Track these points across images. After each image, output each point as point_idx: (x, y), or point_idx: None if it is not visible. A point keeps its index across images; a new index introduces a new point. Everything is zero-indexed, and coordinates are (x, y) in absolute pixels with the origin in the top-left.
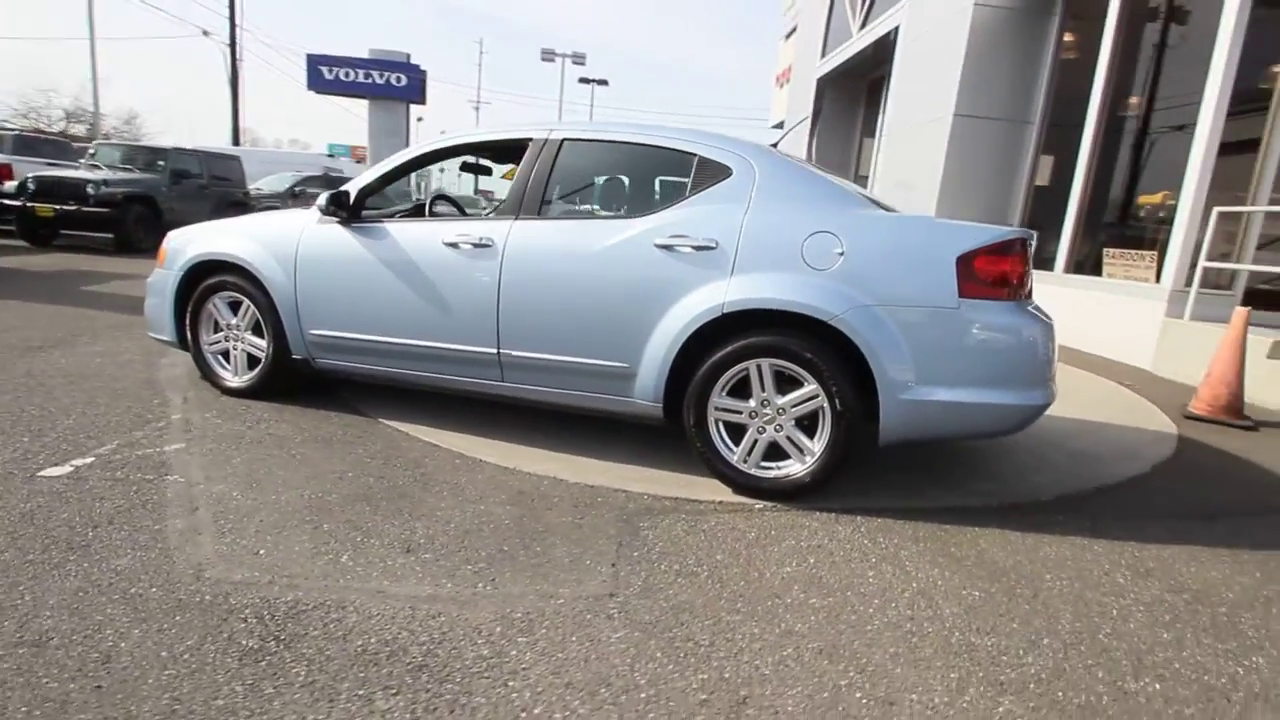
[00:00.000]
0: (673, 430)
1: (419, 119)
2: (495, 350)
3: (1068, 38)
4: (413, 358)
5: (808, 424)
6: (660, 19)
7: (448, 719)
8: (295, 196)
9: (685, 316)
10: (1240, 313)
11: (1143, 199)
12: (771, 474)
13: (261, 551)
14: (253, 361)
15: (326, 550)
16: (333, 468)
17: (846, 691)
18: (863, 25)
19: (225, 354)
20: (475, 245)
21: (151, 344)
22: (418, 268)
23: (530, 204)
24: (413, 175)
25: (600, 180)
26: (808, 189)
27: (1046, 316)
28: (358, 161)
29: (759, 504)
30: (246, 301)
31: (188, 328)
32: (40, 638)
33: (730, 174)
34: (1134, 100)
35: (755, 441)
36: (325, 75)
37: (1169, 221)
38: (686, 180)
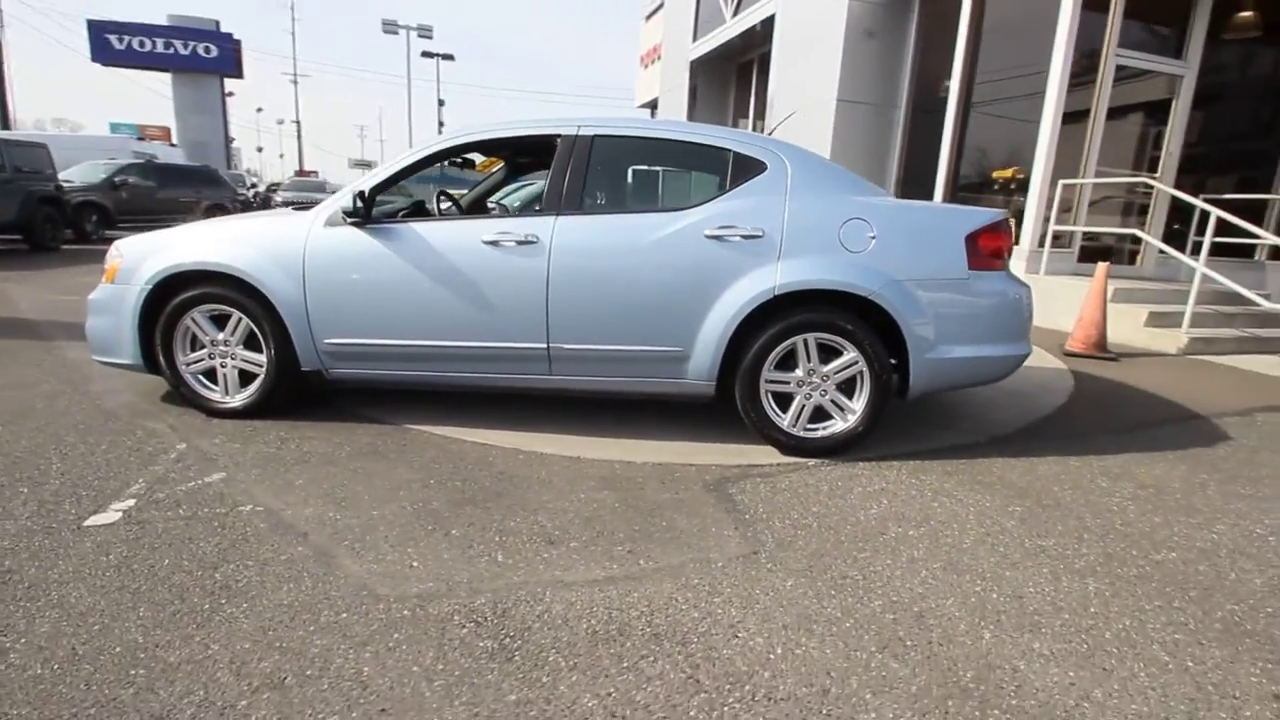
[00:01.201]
0: (705, 407)
1: (229, 94)
2: (544, 345)
3: (925, 30)
4: (451, 359)
5: (846, 387)
6: None
7: (714, 670)
8: (116, 188)
9: (740, 300)
10: (1101, 267)
11: (997, 173)
12: (818, 434)
13: (415, 564)
14: (245, 378)
15: (476, 553)
16: (406, 477)
17: (983, 594)
18: (735, 12)
19: (209, 373)
20: (520, 242)
21: (62, 369)
22: (456, 268)
23: (570, 200)
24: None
25: (635, 175)
26: (833, 180)
27: (1025, 282)
28: (171, 145)
29: (810, 461)
30: (236, 314)
31: (159, 348)
32: (276, 680)
33: (765, 168)
34: (983, 85)
35: (803, 407)
36: (114, 45)
37: (1020, 192)
38: (723, 175)
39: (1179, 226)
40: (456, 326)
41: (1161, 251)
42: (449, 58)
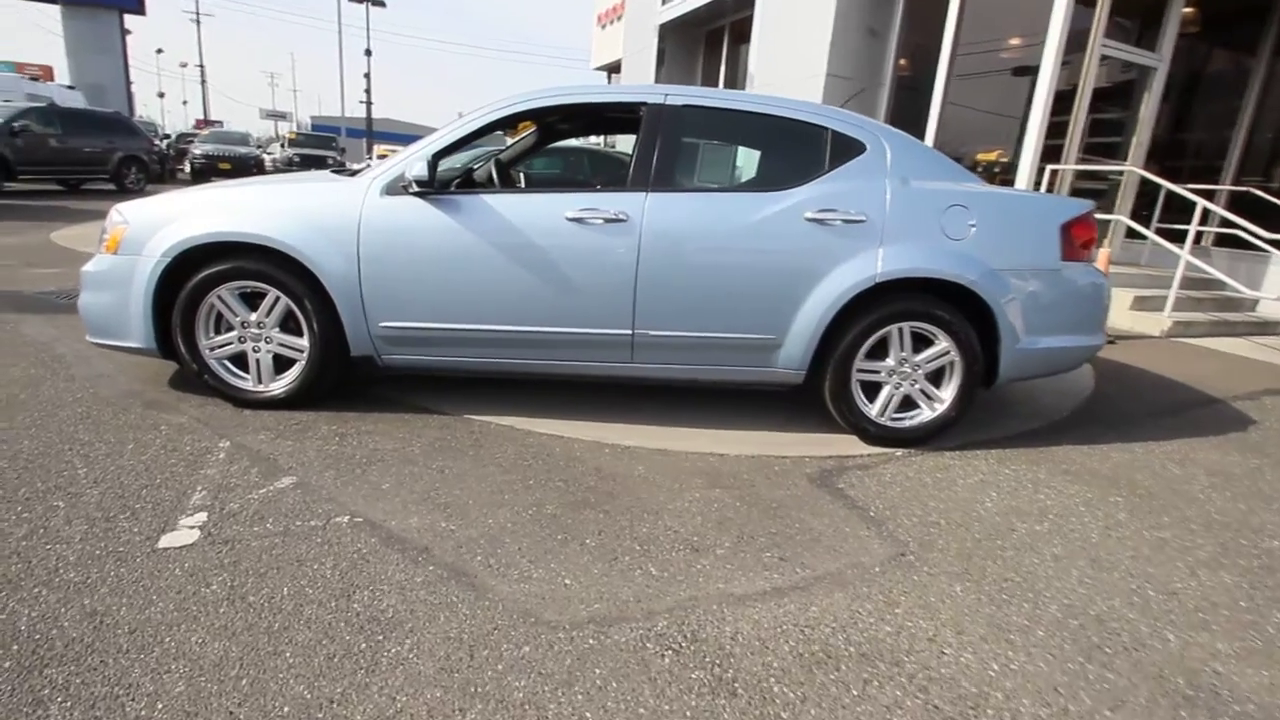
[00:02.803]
0: (759, 392)
1: (128, 32)
2: (629, 331)
3: (911, 8)
4: (523, 345)
5: (934, 377)
6: None
7: (946, 694)
8: (14, 135)
9: (839, 287)
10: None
11: (981, 155)
12: (905, 424)
13: (569, 581)
14: (281, 364)
15: (626, 566)
16: (501, 478)
17: (1140, 591)
18: None
19: (237, 358)
20: (608, 220)
21: (26, 349)
22: (535, 246)
23: (662, 175)
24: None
25: (726, 151)
26: (932, 164)
27: (1103, 272)
28: (70, 88)
29: (897, 451)
30: (273, 292)
31: (176, 329)
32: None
33: (865, 150)
34: (966, 63)
35: (892, 396)
36: None
37: (1005, 174)
38: (820, 154)
39: (1145, 213)
40: (533, 310)
41: (1139, 237)
42: (379, 3)
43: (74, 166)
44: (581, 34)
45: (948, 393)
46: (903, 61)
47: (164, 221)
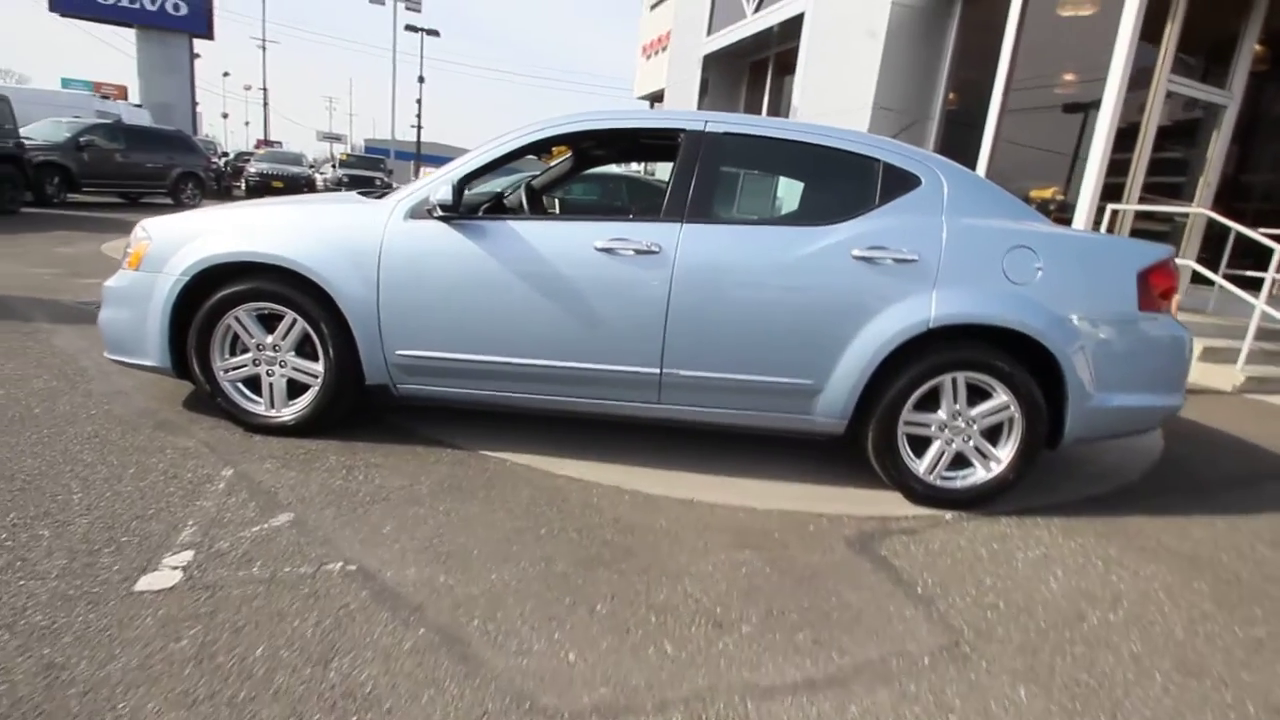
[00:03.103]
0: (790, 439)
1: (197, 55)
2: (657, 370)
3: (964, 38)
4: (544, 380)
5: (990, 433)
6: None
7: None
8: (80, 149)
9: (888, 331)
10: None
11: (1035, 192)
12: (956, 484)
13: (572, 657)
14: (295, 390)
15: (638, 642)
16: (511, 526)
17: (1240, 707)
18: (758, 8)
19: (250, 381)
20: (639, 252)
21: (52, 360)
22: (562, 276)
23: (698, 205)
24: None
25: (767, 182)
26: (993, 201)
27: (1185, 326)
28: (138, 106)
29: (946, 514)
30: (290, 315)
31: (191, 349)
32: None
33: (919, 184)
34: (1023, 100)
35: (942, 453)
36: None
37: (1060, 213)
38: (871, 188)
39: (1206, 256)
40: (556, 344)
41: (1205, 282)
42: (434, 33)
43: (135, 181)
44: (627, 63)
45: (1005, 452)
46: (952, 95)
47: (187, 239)
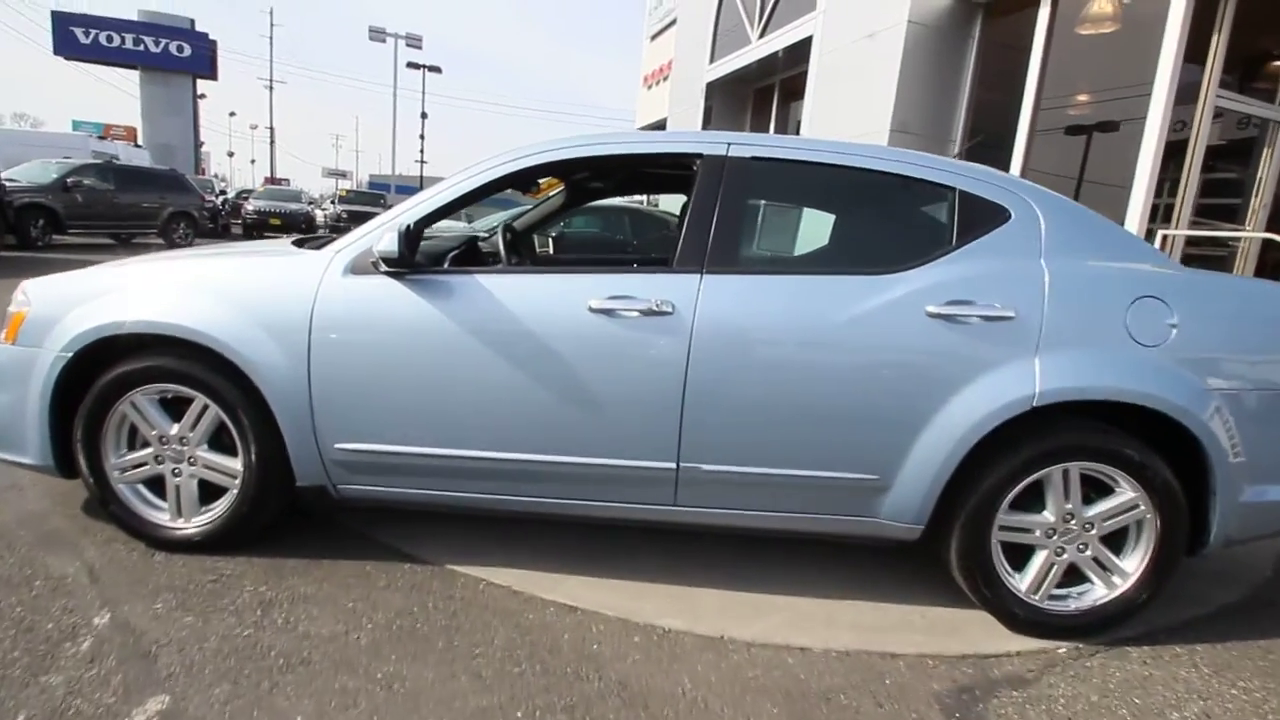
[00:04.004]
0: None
1: (201, 96)
2: (672, 465)
3: (985, 59)
4: (526, 480)
5: (1111, 539)
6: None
7: None
8: (68, 190)
9: (977, 411)
10: None
11: None
12: (1070, 605)
13: None
14: (209, 492)
15: None
16: (475, 703)
17: None
18: (763, 33)
19: (155, 482)
20: (647, 313)
21: None
22: (545, 347)
23: (721, 251)
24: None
25: (805, 219)
26: (1104, 238)
27: None
28: (137, 146)
29: (1059, 647)
30: (201, 399)
31: (77, 443)
32: None
33: (1008, 217)
34: (1054, 120)
35: (1051, 566)
36: (80, 39)
37: None
38: (946, 224)
39: None
40: (542, 434)
41: None
42: (435, 70)
43: (124, 221)
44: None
45: (1132, 562)
46: (974, 117)
47: (73, 304)
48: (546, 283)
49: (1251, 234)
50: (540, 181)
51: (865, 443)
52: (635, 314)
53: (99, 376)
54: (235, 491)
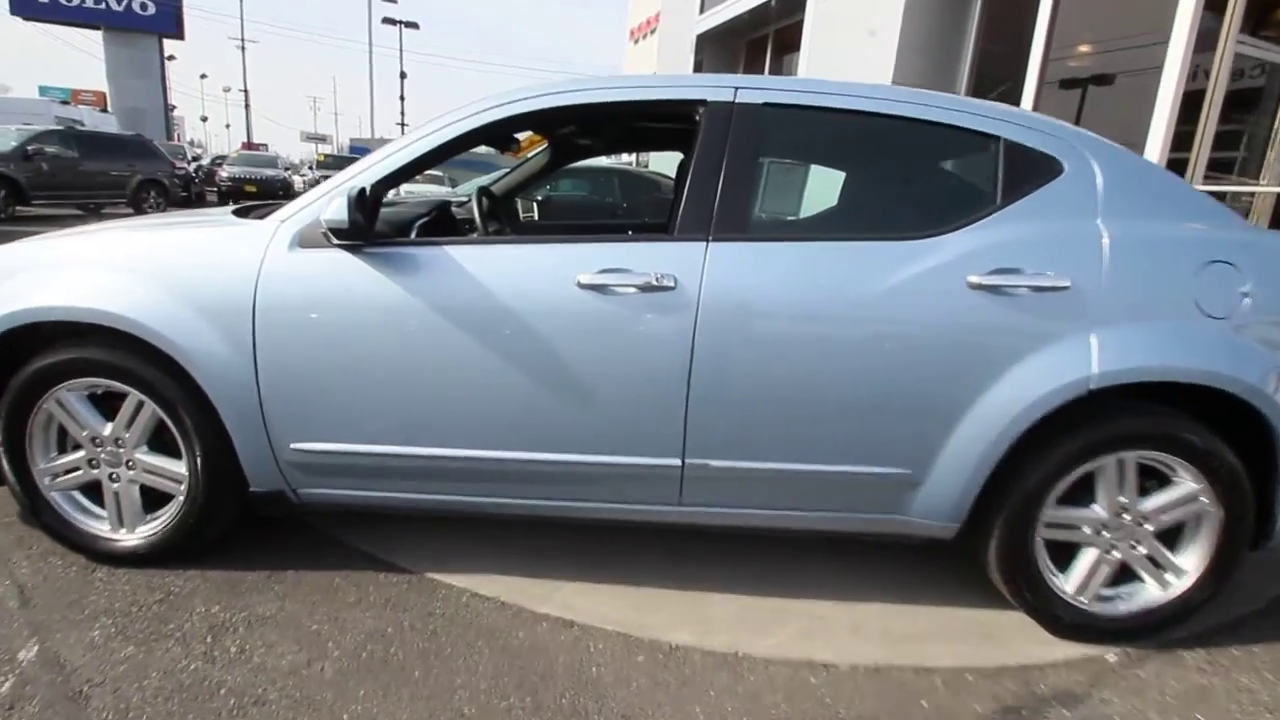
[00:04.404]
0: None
1: (170, 57)
2: (677, 461)
3: (991, 6)
4: (510, 480)
5: (1166, 534)
6: None
7: None
8: (29, 159)
9: (1025, 395)
10: None
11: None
12: (1119, 607)
13: None
14: (153, 499)
15: None
16: None
17: None
18: None
19: (89, 488)
20: (643, 288)
21: None
22: (529, 328)
23: (730, 214)
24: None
25: (832, 175)
26: (1168, 194)
27: None
28: (103, 111)
29: (1108, 654)
30: (135, 395)
31: None
32: None
33: (1061, 171)
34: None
35: (1098, 565)
36: None
37: None
38: (989, 179)
39: None
40: (524, 428)
41: None
42: (413, 25)
43: (91, 190)
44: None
45: (1191, 559)
46: (979, 68)
47: None
48: (528, 254)
49: (1269, 189)
50: (520, 139)
51: (896, 433)
52: (631, 290)
53: (18, 370)
54: (181, 498)
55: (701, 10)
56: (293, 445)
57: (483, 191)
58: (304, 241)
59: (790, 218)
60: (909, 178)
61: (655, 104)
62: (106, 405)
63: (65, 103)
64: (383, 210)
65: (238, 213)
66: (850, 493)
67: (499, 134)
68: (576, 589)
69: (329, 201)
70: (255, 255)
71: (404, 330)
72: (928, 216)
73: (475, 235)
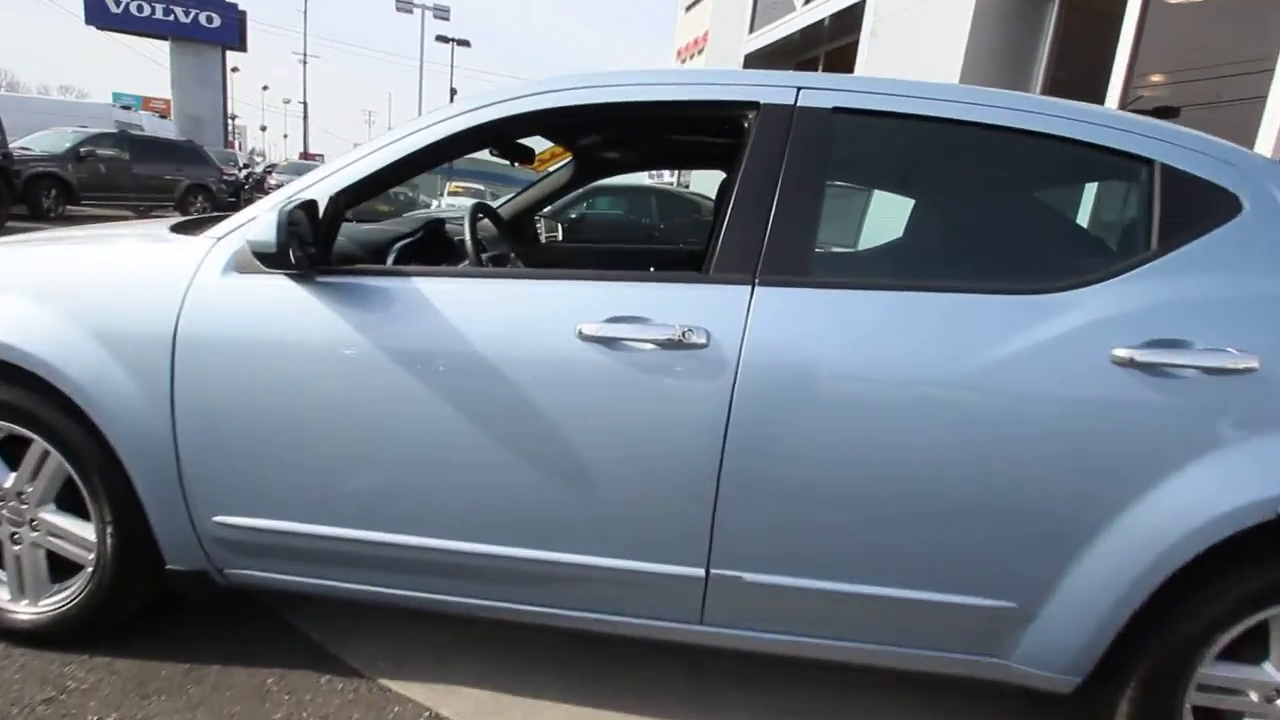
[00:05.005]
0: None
1: (234, 69)
2: (700, 571)
3: (1066, 27)
4: (482, 579)
5: None
6: None
7: None
8: (81, 160)
9: (1190, 515)
10: None
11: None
12: None
13: None
14: (62, 567)
15: None
16: None
17: None
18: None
19: None
20: (664, 344)
21: None
22: (512, 389)
23: (785, 251)
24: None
25: (886, 204)
26: None
27: None
28: (161, 117)
29: None
30: (40, 444)
31: None
32: None
33: (1239, 210)
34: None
35: None
36: (110, 8)
37: None
38: (1142, 215)
39: None
40: (508, 518)
41: None
42: (464, 43)
43: (140, 193)
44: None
45: None
46: (1053, 93)
47: None
48: (521, 293)
49: None
50: (539, 151)
51: (1002, 552)
52: (649, 346)
53: None
54: (91, 570)
55: (750, 30)
56: (216, 518)
57: (479, 210)
58: (241, 265)
59: (863, 256)
60: (1030, 210)
61: (692, 106)
62: (14, 452)
63: (127, 108)
64: (360, 229)
65: (177, 228)
66: (934, 626)
67: (499, 138)
68: (567, 714)
69: (259, 221)
70: (181, 279)
71: (357, 383)
72: (1056, 264)
73: (462, 266)
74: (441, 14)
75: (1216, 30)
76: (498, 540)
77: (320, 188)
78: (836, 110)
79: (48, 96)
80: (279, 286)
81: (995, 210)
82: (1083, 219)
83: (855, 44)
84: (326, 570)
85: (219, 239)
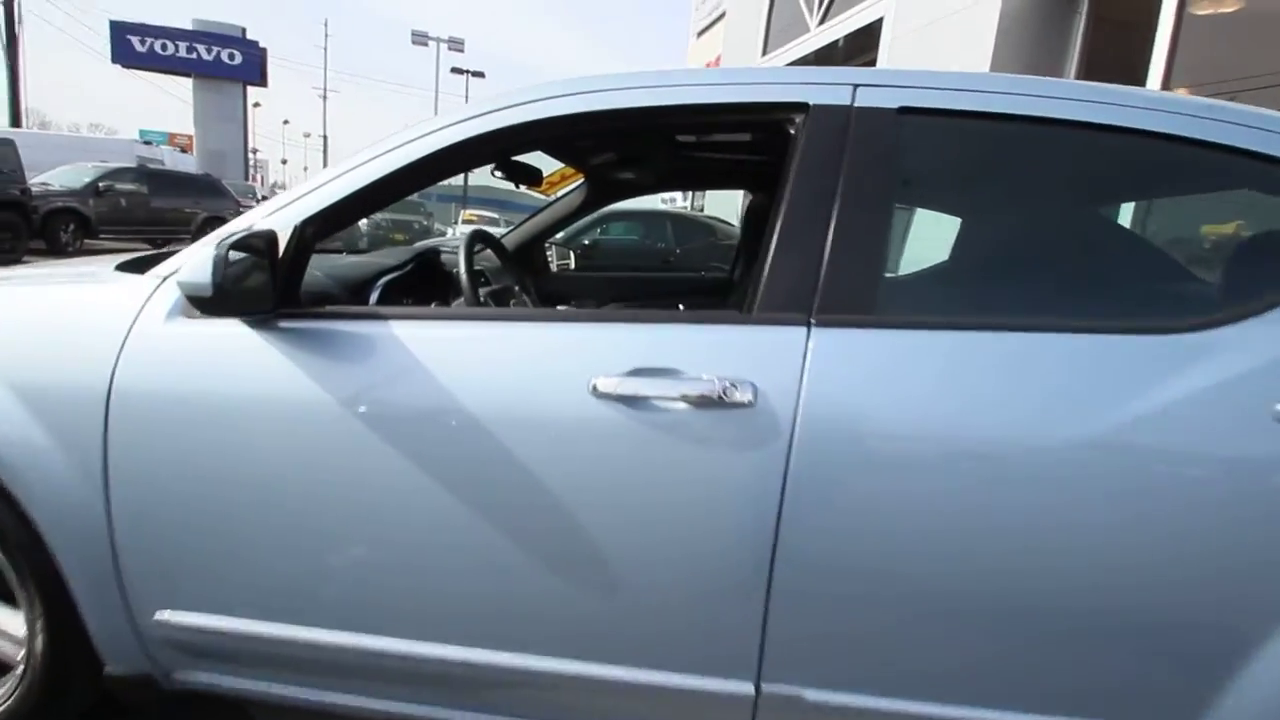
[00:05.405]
0: None
1: (255, 104)
2: (750, 686)
3: (1094, 43)
4: (489, 690)
5: None
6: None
7: None
8: (100, 195)
9: None
10: None
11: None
12: None
13: None
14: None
15: None
16: None
17: None
18: (823, 19)
19: None
20: (699, 402)
21: None
22: (510, 460)
23: (847, 284)
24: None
25: (930, 221)
26: None
27: None
28: (182, 151)
29: None
30: None
31: None
32: None
33: None
34: None
35: None
36: (136, 47)
37: None
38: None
39: None
40: (509, 619)
41: None
42: (479, 75)
43: (158, 226)
44: None
45: None
46: None
47: None
48: (522, 338)
49: None
50: (547, 174)
51: (1139, 666)
52: (680, 404)
53: None
54: (21, 671)
55: (763, 53)
56: (159, 615)
57: (477, 238)
58: (189, 309)
59: (938, 287)
60: (1151, 229)
61: (725, 110)
62: None
63: (148, 143)
64: (342, 261)
65: (124, 266)
66: None
67: (495, 155)
68: None
69: (192, 258)
70: (118, 326)
71: (323, 450)
72: (1188, 296)
73: (454, 307)
74: (456, 46)
75: (1252, 42)
76: (496, 645)
77: (281, 216)
78: (904, 110)
79: (76, 134)
80: (232, 334)
81: (1113, 230)
82: (1219, 238)
83: (873, 63)
84: (296, 678)
85: (164, 279)
